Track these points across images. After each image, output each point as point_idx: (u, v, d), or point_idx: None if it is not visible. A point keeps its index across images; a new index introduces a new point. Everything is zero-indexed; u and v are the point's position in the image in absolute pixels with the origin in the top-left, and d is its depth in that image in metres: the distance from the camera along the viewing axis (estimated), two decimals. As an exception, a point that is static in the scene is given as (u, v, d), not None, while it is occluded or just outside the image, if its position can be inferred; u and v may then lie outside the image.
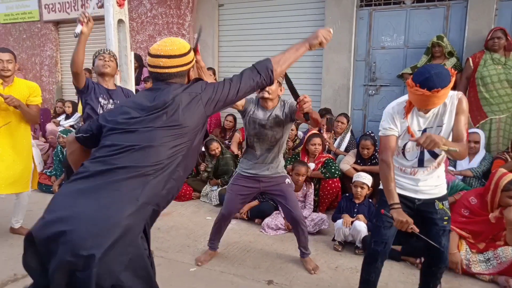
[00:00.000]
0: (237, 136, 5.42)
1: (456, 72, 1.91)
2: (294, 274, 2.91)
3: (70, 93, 7.46)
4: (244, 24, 6.03)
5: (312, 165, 4.06)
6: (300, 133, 5.12)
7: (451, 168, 3.91)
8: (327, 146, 4.63)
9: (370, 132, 4.40)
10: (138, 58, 6.43)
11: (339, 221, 3.30)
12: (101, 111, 2.79)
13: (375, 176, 3.89)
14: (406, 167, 2.11)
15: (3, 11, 8.46)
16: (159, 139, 1.46)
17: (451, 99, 1.93)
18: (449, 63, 4.48)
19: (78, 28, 2.47)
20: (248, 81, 1.64)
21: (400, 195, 2.01)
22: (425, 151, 2.02)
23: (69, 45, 7.97)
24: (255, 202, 3.98)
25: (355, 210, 3.43)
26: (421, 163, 2.06)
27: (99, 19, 7.10)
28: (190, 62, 1.62)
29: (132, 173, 1.40)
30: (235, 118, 5.78)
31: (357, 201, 3.46)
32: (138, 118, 1.49)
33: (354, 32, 5.19)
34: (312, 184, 3.89)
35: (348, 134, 4.83)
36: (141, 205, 1.39)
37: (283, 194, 2.82)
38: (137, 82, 6.29)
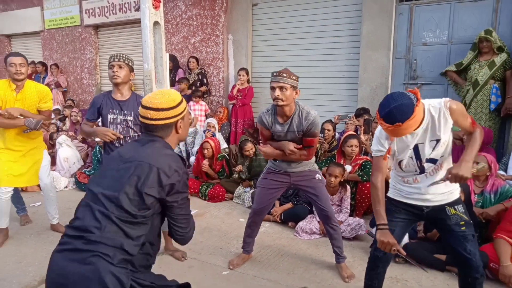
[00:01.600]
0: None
1: (420, 97, 1.81)
2: (330, 281, 2.80)
3: (109, 95, 7.69)
4: (278, 23, 5.95)
5: (348, 168, 3.91)
6: (336, 135, 4.97)
7: (501, 172, 3.63)
8: (364, 148, 4.45)
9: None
10: (173, 59, 6.52)
11: (378, 227, 3.13)
12: (111, 127, 2.83)
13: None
14: (408, 177, 2.07)
15: (48, 17, 8.89)
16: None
17: (439, 111, 1.85)
18: (499, 59, 4.18)
19: (98, 139, 2.68)
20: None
21: (407, 204, 2.06)
22: (425, 165, 1.98)
23: (108, 48, 8.24)
24: (289, 205, 3.89)
25: (395, 215, 3.24)
26: (422, 170, 2.02)
27: (136, 22, 7.30)
28: (179, 114, 1.63)
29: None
30: (268, 119, 5.70)
31: (397, 206, 3.27)
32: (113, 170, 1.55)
33: (394, 28, 4.97)
34: (349, 187, 3.74)
35: (387, 135, 4.62)
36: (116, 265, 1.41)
37: (314, 190, 2.75)
38: (172, 83, 6.38)
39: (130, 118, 2.87)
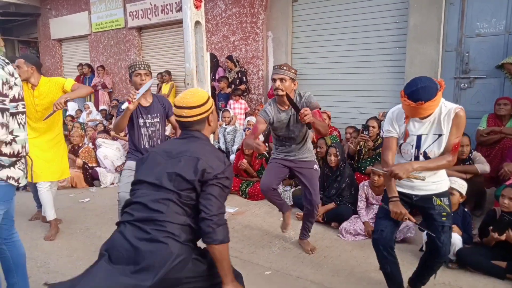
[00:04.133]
0: (311, 135, 5.24)
1: (443, 85, 1.95)
2: (378, 286, 2.67)
3: (151, 94, 7.91)
4: (319, 18, 5.82)
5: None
6: (381, 132, 4.77)
7: None
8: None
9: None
10: (212, 57, 6.58)
11: (429, 230, 2.96)
12: (142, 130, 3.04)
13: (472, 183, 3.47)
14: None
15: (94, 21, 9.29)
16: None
17: (449, 112, 2.01)
18: None
19: (125, 105, 2.80)
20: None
21: (399, 192, 2.18)
22: (420, 156, 2.12)
23: (151, 49, 8.48)
24: (332, 205, 3.78)
25: (447, 218, 3.05)
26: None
27: (177, 23, 7.44)
28: (209, 109, 1.80)
29: None
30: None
31: (449, 209, 3.07)
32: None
33: (443, 19, 4.69)
34: (395, 187, 3.57)
35: (435, 133, 4.38)
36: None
37: (309, 177, 3.00)
38: (213, 79, 6.45)
39: (157, 119, 3.09)
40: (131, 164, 3.06)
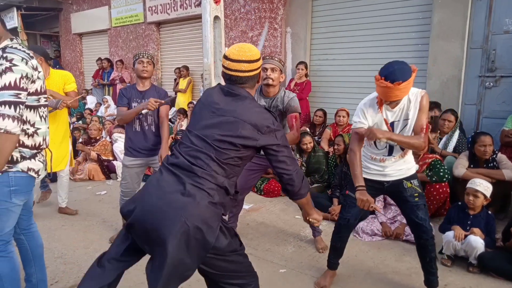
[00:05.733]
0: (328, 132, 5.18)
1: (415, 70, 2.04)
2: (395, 288, 2.61)
3: (169, 89, 7.96)
4: (339, 14, 5.71)
5: (415, 167, 3.63)
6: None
7: None
8: (431, 147, 4.12)
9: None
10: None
11: (450, 233, 2.86)
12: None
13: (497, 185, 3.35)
14: (377, 155, 2.33)
15: (114, 16, 9.39)
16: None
17: (415, 96, 2.13)
18: None
19: (145, 111, 3.04)
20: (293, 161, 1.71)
21: (370, 180, 2.32)
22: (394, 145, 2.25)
23: (169, 44, 8.52)
24: (348, 204, 3.71)
25: (469, 222, 2.95)
26: (390, 152, 2.29)
27: (195, 18, 7.44)
28: (260, 65, 1.78)
29: None
30: (325, 113, 5.52)
31: (471, 212, 2.97)
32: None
33: (469, 15, 4.53)
34: (415, 188, 3.48)
35: (457, 133, 4.24)
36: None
37: None
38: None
39: None
40: (128, 161, 3.26)
